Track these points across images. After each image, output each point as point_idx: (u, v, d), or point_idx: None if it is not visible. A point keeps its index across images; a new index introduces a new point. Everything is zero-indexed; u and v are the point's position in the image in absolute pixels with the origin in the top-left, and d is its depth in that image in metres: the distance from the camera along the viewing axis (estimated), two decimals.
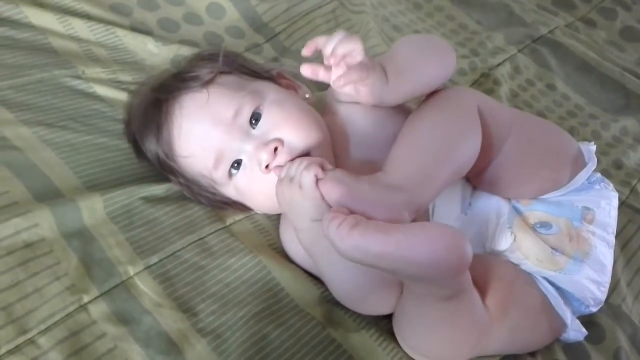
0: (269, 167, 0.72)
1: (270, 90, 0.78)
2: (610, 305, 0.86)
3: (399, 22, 1.30)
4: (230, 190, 0.78)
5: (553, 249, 0.77)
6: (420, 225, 0.62)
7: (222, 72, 0.78)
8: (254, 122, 0.75)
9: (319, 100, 0.88)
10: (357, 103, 0.78)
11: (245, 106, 0.75)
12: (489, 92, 1.19)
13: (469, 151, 0.69)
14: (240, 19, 1.14)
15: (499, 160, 0.75)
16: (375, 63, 0.72)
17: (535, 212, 0.79)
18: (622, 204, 1.03)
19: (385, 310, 0.73)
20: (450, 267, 0.60)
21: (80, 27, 0.99)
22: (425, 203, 0.68)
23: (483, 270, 0.75)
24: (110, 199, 0.76)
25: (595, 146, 0.84)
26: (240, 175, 0.76)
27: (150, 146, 0.78)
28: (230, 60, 0.81)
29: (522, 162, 0.77)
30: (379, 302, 0.72)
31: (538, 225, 0.79)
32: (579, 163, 0.81)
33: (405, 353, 0.72)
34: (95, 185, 0.78)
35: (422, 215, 0.79)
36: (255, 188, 0.76)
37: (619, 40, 1.47)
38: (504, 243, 0.79)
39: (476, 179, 0.79)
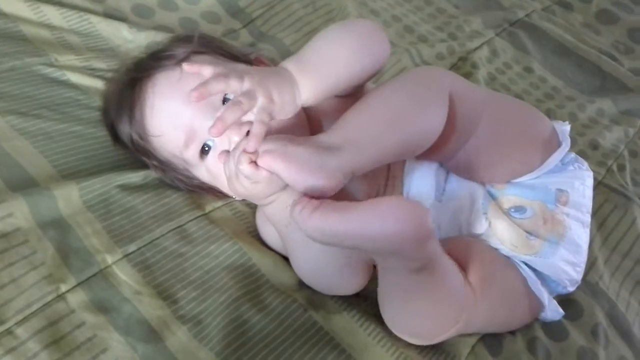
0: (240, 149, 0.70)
1: (247, 68, 0.77)
2: (587, 283, 0.87)
3: (377, 7, 1.29)
4: (202, 172, 0.78)
5: (527, 232, 0.77)
6: (378, 201, 0.61)
7: (197, 52, 0.77)
8: (226, 102, 0.74)
9: None
10: None
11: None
12: (467, 75, 1.19)
13: (423, 125, 0.68)
14: (216, 4, 1.12)
15: (471, 143, 0.74)
16: (266, 75, 0.68)
17: (509, 196, 0.79)
18: (599, 184, 1.04)
19: (349, 291, 0.74)
20: (409, 238, 0.60)
21: (52, 15, 0.97)
22: (363, 167, 0.65)
23: (465, 248, 0.75)
24: (86, 188, 0.75)
25: (569, 126, 0.83)
26: (211, 156, 0.75)
27: (125, 128, 0.77)
28: (207, 42, 0.81)
29: (495, 145, 0.76)
30: (343, 282, 0.73)
31: (512, 210, 0.78)
32: (552, 144, 0.80)
33: (387, 333, 0.72)
34: (70, 174, 0.77)
35: None
36: (229, 166, 0.74)
37: (595, 23, 1.48)
38: (479, 228, 0.79)
39: (449, 162, 0.78)
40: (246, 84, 0.66)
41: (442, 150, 0.72)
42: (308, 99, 0.71)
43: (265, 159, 0.62)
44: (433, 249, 0.65)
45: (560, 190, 0.78)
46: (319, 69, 0.71)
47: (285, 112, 0.69)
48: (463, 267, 0.72)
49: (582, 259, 0.79)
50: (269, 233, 0.78)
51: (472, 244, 0.77)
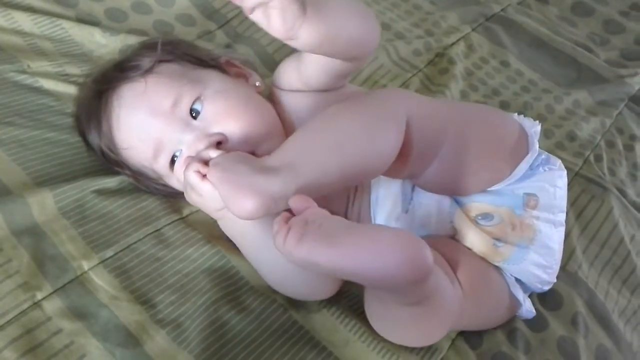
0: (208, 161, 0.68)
1: (214, 79, 0.77)
2: (567, 273, 0.88)
3: None
4: (174, 182, 0.77)
5: (496, 239, 0.75)
6: (373, 234, 0.56)
7: (163, 61, 0.76)
8: (194, 113, 0.73)
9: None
10: (300, 92, 0.77)
11: (184, 95, 0.73)
12: (444, 71, 1.20)
13: (370, 150, 0.64)
14: (190, 6, 1.12)
15: (435, 165, 0.72)
16: None
17: (476, 203, 0.77)
18: (576, 175, 1.05)
19: (321, 297, 0.73)
20: (410, 280, 0.56)
21: (23, 21, 0.96)
22: (307, 190, 0.60)
23: (454, 248, 0.75)
24: (61, 194, 0.74)
25: (539, 126, 0.81)
26: (177, 167, 0.74)
27: (94, 140, 0.76)
28: (173, 48, 0.79)
29: (461, 164, 0.73)
30: (312, 291, 0.72)
31: (479, 218, 0.76)
32: (520, 152, 0.77)
33: (368, 328, 0.71)
34: (44, 181, 0.76)
35: (363, 215, 0.79)
36: (193, 180, 0.72)
37: (570, 15, 1.49)
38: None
39: (414, 181, 0.76)
40: None
41: (403, 173, 0.71)
42: (307, 38, 0.63)
43: (210, 171, 0.62)
44: (431, 285, 0.61)
45: (528, 195, 0.76)
46: (330, 16, 0.65)
47: (277, 25, 0.61)
48: (452, 265, 0.72)
49: (555, 260, 0.78)
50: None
51: (460, 245, 0.77)
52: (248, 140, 0.72)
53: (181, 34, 1.07)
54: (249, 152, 0.69)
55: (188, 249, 0.75)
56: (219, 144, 0.71)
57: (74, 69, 0.92)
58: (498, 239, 0.75)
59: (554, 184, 0.77)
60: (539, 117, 1.16)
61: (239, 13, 1.16)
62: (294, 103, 0.80)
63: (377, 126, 0.65)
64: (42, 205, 0.73)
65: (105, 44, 0.98)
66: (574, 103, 1.22)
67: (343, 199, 0.79)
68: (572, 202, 0.98)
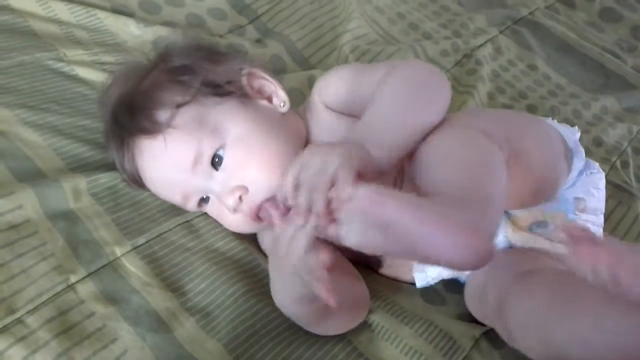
0: (237, 210, 0.71)
1: (233, 121, 0.73)
2: None
3: (381, 4, 1.30)
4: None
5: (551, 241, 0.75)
6: (455, 214, 0.54)
7: (179, 105, 0.72)
8: (217, 159, 0.72)
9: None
10: (344, 116, 0.76)
11: (205, 150, 0.71)
12: (472, 72, 1.20)
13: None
14: (222, 1, 1.13)
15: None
16: (345, 148, 0.63)
17: (525, 212, 0.76)
18: None
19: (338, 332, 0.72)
20: (467, 267, 0.54)
21: (60, 10, 0.98)
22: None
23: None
24: (94, 181, 0.75)
25: (579, 133, 0.82)
26: (209, 207, 0.76)
27: (120, 167, 0.77)
28: (193, 73, 0.74)
29: (518, 185, 0.71)
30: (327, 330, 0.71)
31: (535, 226, 0.76)
32: (567, 163, 0.78)
33: (392, 327, 0.73)
34: (78, 167, 0.77)
35: None
36: (225, 220, 0.76)
37: (598, 21, 1.48)
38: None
39: None
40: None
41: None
42: (386, 165, 0.66)
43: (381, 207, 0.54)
44: None
45: (577, 199, 0.77)
46: (393, 139, 0.67)
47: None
48: None
49: None
50: (263, 241, 0.80)
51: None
52: (267, 191, 0.71)
53: (213, 27, 1.09)
54: (269, 196, 0.70)
55: (218, 242, 0.76)
56: (240, 197, 0.71)
57: (108, 58, 0.93)
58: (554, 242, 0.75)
59: (597, 186, 0.79)
60: (567, 122, 1.15)
61: (270, 9, 1.17)
62: (335, 125, 0.78)
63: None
64: (76, 191, 0.74)
65: (139, 35, 0.99)
66: (602, 109, 1.22)
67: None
68: None
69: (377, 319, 0.74)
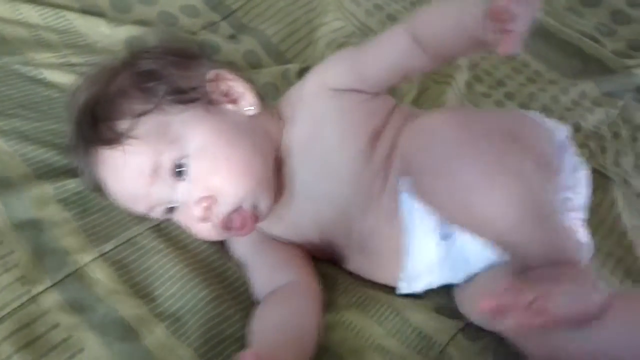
0: (205, 220, 0.71)
1: (197, 130, 0.71)
2: None
3: None
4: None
5: None
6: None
7: (141, 114, 0.70)
8: (181, 168, 0.71)
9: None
10: (349, 92, 0.75)
11: (163, 162, 0.70)
12: (449, 62, 1.19)
13: None
14: None
15: None
16: None
17: None
18: None
19: None
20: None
21: (28, 13, 0.97)
22: None
23: None
24: (62, 187, 0.75)
25: (565, 131, 0.80)
26: (177, 216, 0.75)
27: (84, 176, 0.76)
28: (158, 79, 0.73)
29: None
30: None
31: None
32: (558, 158, 0.77)
33: (367, 332, 0.72)
34: (46, 173, 0.77)
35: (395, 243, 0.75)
36: (194, 228, 0.74)
37: (577, 5, 1.46)
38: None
39: None
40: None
41: None
42: None
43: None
44: None
45: (567, 198, 0.76)
46: None
47: None
48: None
49: (589, 255, 0.78)
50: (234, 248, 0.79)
51: None
52: (238, 197, 0.71)
53: (185, 25, 1.07)
54: (237, 206, 0.70)
55: (190, 245, 0.76)
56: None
57: (78, 59, 0.93)
58: None
59: (583, 184, 0.78)
60: (544, 109, 1.15)
61: (244, 4, 1.15)
62: (331, 105, 0.76)
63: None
64: (43, 198, 0.73)
65: (109, 35, 0.98)
66: (580, 94, 1.21)
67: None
68: None
69: (350, 317, 0.74)
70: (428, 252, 0.74)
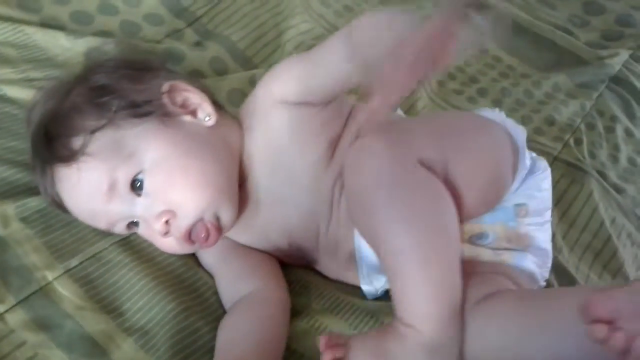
0: (167, 234, 0.69)
1: (152, 144, 0.70)
2: None
3: None
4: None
5: (494, 249, 0.73)
6: None
7: (94, 130, 0.69)
8: (138, 183, 0.69)
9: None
10: (302, 105, 0.73)
11: (119, 178, 0.68)
12: None
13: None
14: (158, 5, 1.10)
15: None
16: None
17: (467, 225, 0.73)
18: (555, 159, 1.04)
19: None
20: None
21: None
22: None
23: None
24: (23, 205, 0.73)
25: (525, 133, 0.78)
26: (140, 230, 0.73)
27: (43, 193, 0.74)
28: (111, 93, 0.71)
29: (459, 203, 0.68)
30: None
31: (475, 238, 0.73)
32: (513, 171, 0.75)
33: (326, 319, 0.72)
34: (6, 191, 0.75)
35: (350, 245, 0.75)
36: (158, 242, 0.73)
37: None
38: None
39: None
40: None
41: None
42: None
43: None
44: None
45: (518, 205, 0.74)
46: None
47: None
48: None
49: (548, 258, 0.76)
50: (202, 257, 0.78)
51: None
52: (196, 209, 0.69)
53: (149, 34, 1.06)
54: (198, 219, 0.69)
55: (157, 258, 0.74)
56: (167, 221, 0.69)
57: (37, 74, 0.90)
58: (497, 249, 0.73)
59: (540, 188, 0.76)
60: (517, 103, 1.15)
61: (209, 10, 1.14)
62: (284, 118, 0.74)
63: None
64: (4, 216, 0.71)
65: (69, 47, 0.96)
66: (554, 87, 1.21)
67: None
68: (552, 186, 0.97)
69: (326, 322, 0.72)
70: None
